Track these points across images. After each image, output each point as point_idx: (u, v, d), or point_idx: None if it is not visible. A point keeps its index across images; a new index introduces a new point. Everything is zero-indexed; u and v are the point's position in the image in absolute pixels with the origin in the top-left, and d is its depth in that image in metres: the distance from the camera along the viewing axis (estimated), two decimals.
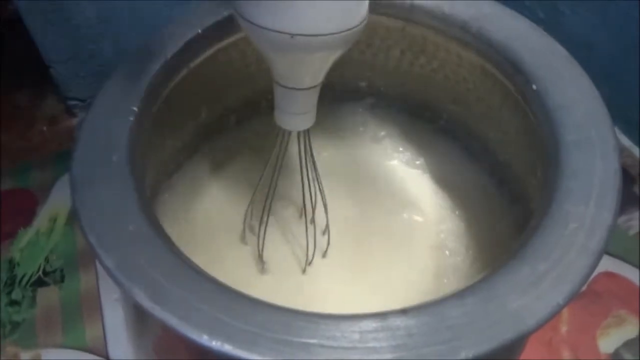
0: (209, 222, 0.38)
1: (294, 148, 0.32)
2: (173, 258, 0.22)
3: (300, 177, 0.33)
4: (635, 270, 0.46)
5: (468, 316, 0.20)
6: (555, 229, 0.23)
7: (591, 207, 0.24)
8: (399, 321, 0.20)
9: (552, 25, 0.52)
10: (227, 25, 0.34)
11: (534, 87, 0.30)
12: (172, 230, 0.34)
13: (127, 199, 0.24)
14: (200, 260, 0.24)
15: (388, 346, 0.19)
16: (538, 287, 0.21)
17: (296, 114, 0.29)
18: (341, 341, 0.20)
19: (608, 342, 0.43)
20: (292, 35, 0.23)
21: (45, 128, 0.59)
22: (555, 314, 0.21)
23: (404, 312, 0.21)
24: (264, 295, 0.21)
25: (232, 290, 0.21)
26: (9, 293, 0.47)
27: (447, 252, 0.37)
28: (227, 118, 0.42)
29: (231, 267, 0.35)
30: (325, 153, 0.42)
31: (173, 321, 0.20)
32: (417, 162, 0.43)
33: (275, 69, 0.27)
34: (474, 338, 0.20)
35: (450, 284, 0.36)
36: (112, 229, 0.23)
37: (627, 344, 0.43)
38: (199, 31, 0.33)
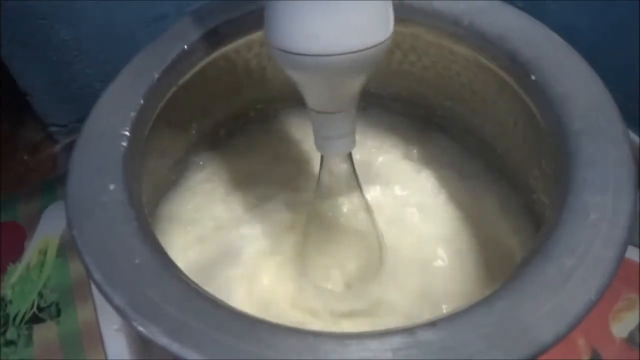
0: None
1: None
2: (185, 289, 0.21)
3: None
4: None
5: (501, 323, 0.19)
6: (576, 221, 0.23)
7: (609, 196, 0.23)
8: (430, 334, 0.19)
9: (532, 12, 0.52)
10: (214, 38, 0.33)
11: (533, 77, 0.29)
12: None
13: (130, 230, 0.23)
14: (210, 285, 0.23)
15: None
16: (568, 284, 0.21)
17: (336, 138, 0.28)
18: None
19: (621, 326, 0.43)
20: (320, 55, 0.22)
21: (26, 157, 0.58)
22: (589, 310, 0.20)
23: (433, 324, 0.20)
24: None
25: (252, 318, 0.20)
26: (4, 333, 0.45)
27: (450, 248, 0.37)
28: (217, 131, 0.41)
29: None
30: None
31: (195, 357, 0.18)
32: (413, 161, 0.42)
33: (307, 94, 0.26)
34: (510, 345, 0.19)
35: (460, 282, 0.35)
36: (117, 265, 0.21)
37: None
38: (185, 47, 0.32)
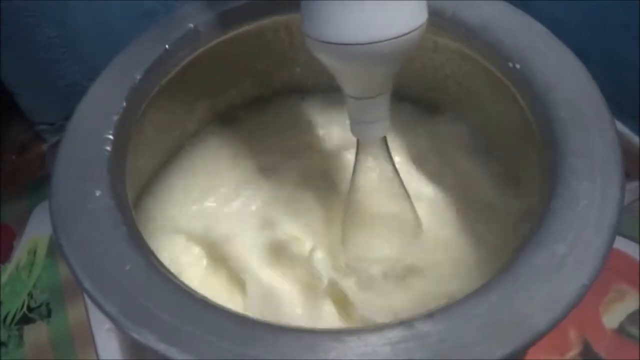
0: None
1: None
2: (177, 293, 0.21)
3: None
4: (630, 243, 0.46)
5: (497, 312, 0.20)
6: (566, 209, 0.23)
7: (598, 182, 0.23)
8: (427, 327, 0.19)
9: (520, 5, 0.52)
10: (195, 37, 0.33)
11: (517, 66, 0.29)
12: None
13: (119, 236, 0.22)
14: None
15: (422, 356, 0.18)
16: (561, 271, 0.21)
17: (372, 122, 0.28)
18: (373, 356, 0.19)
19: (612, 317, 0.43)
20: (361, 44, 0.22)
21: (14, 157, 0.57)
22: (582, 296, 0.20)
23: (430, 316, 0.20)
24: None
25: (247, 319, 0.20)
26: None
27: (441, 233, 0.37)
28: (202, 129, 0.41)
29: None
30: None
31: None
32: (397, 156, 0.41)
33: (345, 82, 0.26)
34: (507, 335, 0.19)
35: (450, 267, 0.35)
36: (107, 272, 0.21)
37: (630, 317, 0.43)
38: (167, 46, 0.31)
